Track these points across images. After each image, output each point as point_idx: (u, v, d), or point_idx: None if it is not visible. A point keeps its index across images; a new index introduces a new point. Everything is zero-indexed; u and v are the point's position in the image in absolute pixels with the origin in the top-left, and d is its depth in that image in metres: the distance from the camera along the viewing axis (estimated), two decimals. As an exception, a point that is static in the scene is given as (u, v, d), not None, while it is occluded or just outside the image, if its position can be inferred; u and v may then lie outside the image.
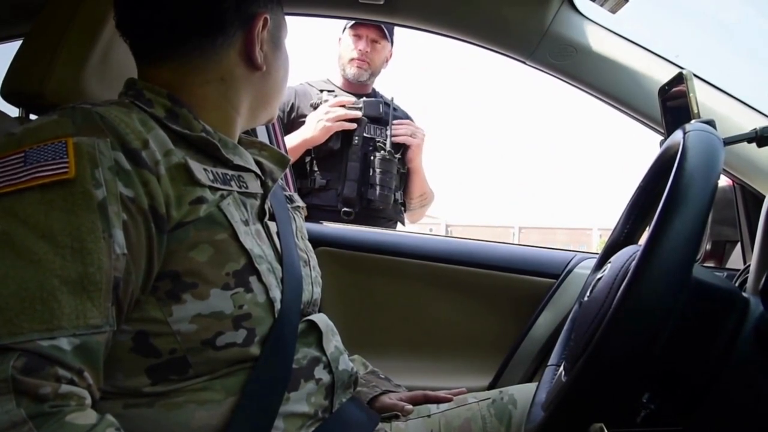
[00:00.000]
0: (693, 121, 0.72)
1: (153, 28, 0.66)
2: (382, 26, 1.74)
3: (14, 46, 0.88)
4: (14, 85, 0.83)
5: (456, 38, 1.20)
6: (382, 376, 0.97)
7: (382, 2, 1.13)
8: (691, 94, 0.75)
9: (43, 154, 0.51)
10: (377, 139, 1.72)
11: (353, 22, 1.74)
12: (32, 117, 0.88)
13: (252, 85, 0.71)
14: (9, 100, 0.86)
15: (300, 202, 0.88)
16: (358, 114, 1.68)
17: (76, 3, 0.84)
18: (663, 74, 1.02)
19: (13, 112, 0.91)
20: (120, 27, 0.68)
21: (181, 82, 0.66)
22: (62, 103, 0.62)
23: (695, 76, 0.79)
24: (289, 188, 1.56)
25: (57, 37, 0.82)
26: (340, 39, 1.82)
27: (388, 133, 1.70)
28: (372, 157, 1.69)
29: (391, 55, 1.84)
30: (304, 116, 1.73)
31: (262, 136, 1.49)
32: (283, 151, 0.79)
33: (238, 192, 0.65)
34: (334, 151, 1.68)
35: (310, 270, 0.77)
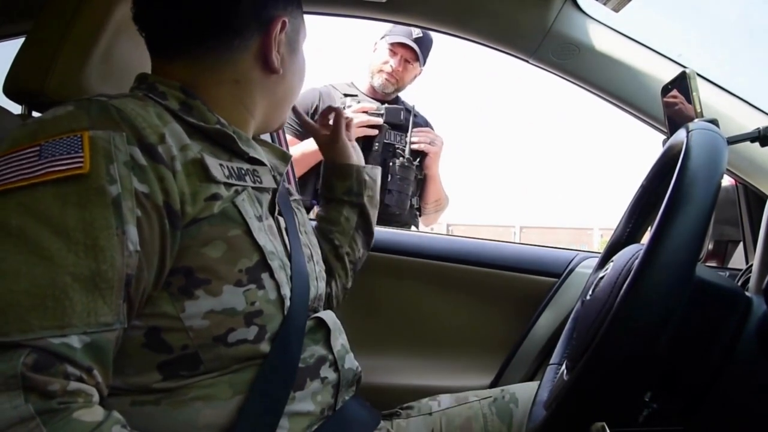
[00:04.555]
0: (696, 120, 0.72)
1: (169, 25, 0.66)
2: (417, 50, 1.77)
3: (16, 43, 0.88)
4: (16, 82, 0.83)
5: (458, 37, 1.20)
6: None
7: (384, 0, 1.13)
8: (694, 93, 0.75)
9: (58, 148, 0.51)
10: (397, 146, 1.75)
11: (395, 39, 1.76)
12: (35, 114, 0.88)
13: (267, 89, 0.71)
14: (11, 97, 0.86)
15: (297, 195, 0.89)
16: (380, 121, 1.71)
17: (77, 1, 0.84)
18: (666, 73, 1.02)
19: (15, 109, 0.91)
20: (137, 20, 0.68)
21: (194, 80, 0.66)
22: (64, 100, 0.62)
23: (698, 75, 0.79)
24: (290, 183, 1.56)
25: (59, 35, 0.82)
26: (375, 44, 1.84)
27: (408, 140, 1.73)
28: (391, 163, 1.72)
29: (420, 73, 1.87)
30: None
31: (264, 135, 1.49)
32: (283, 148, 0.80)
33: (252, 187, 0.65)
34: None
35: (314, 265, 0.77)
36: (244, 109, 0.70)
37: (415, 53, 1.77)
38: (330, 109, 1.02)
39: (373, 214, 1.02)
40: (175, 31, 0.66)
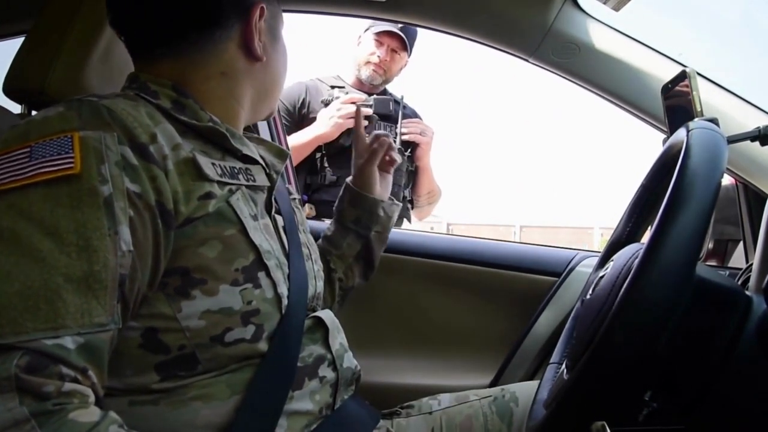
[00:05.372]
0: (696, 120, 0.72)
1: (149, 25, 0.65)
2: (405, 38, 1.76)
3: (16, 43, 0.88)
4: (16, 82, 0.83)
5: (459, 36, 1.19)
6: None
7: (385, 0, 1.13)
8: (694, 92, 0.75)
9: (48, 148, 0.51)
10: None
11: (379, 29, 1.75)
12: (34, 113, 0.88)
13: (253, 78, 0.71)
14: (11, 96, 0.86)
15: (296, 195, 0.88)
16: (369, 111, 1.69)
17: (78, 1, 0.84)
18: (666, 72, 1.02)
19: (15, 108, 0.91)
20: (114, 24, 0.68)
21: (181, 77, 0.66)
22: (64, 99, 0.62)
23: (698, 74, 0.79)
24: (290, 182, 1.56)
25: (59, 35, 0.82)
26: (359, 38, 1.83)
27: (398, 130, 1.72)
28: None
29: (406, 64, 1.86)
30: (315, 112, 1.74)
31: (264, 132, 1.49)
32: (283, 146, 0.79)
33: (246, 186, 0.65)
34: (345, 147, 1.69)
35: (313, 264, 0.77)
36: (234, 101, 0.70)
37: (402, 42, 1.76)
38: (381, 136, 0.98)
39: (378, 250, 1.00)
40: (155, 30, 0.65)
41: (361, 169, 0.97)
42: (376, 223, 0.97)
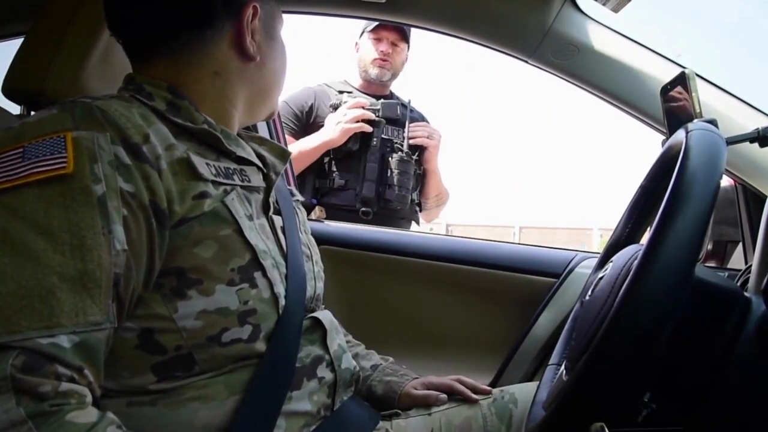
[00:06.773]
0: (695, 121, 0.72)
1: (141, 26, 0.66)
2: (403, 28, 1.76)
3: (16, 43, 0.88)
4: (16, 82, 0.83)
5: (458, 37, 1.20)
6: (404, 366, 0.97)
7: (384, 0, 1.13)
8: (693, 94, 0.75)
9: (41, 149, 0.51)
10: (395, 141, 1.74)
11: (372, 26, 1.76)
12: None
13: (247, 78, 0.71)
14: (10, 97, 0.86)
15: (300, 197, 0.88)
16: (372, 116, 1.70)
17: (77, 1, 0.84)
18: (665, 74, 1.02)
19: (14, 109, 0.91)
20: (111, 27, 0.68)
21: (176, 78, 0.66)
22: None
23: (697, 75, 0.79)
24: (289, 183, 1.56)
25: (58, 35, 0.82)
26: (357, 44, 1.84)
27: (406, 134, 1.72)
28: (390, 158, 1.72)
29: (407, 58, 1.87)
30: (323, 118, 1.75)
31: (262, 131, 1.50)
32: (283, 145, 0.79)
33: (241, 186, 0.65)
34: (353, 151, 1.70)
35: (313, 265, 0.77)
36: (227, 102, 0.70)
37: (400, 33, 1.77)
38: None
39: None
40: (148, 33, 0.66)
41: (415, 399, 0.89)
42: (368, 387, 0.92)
